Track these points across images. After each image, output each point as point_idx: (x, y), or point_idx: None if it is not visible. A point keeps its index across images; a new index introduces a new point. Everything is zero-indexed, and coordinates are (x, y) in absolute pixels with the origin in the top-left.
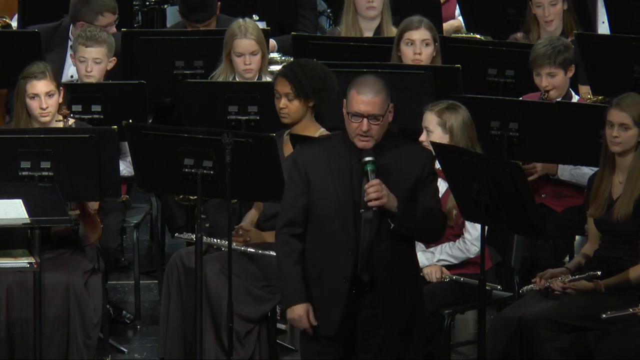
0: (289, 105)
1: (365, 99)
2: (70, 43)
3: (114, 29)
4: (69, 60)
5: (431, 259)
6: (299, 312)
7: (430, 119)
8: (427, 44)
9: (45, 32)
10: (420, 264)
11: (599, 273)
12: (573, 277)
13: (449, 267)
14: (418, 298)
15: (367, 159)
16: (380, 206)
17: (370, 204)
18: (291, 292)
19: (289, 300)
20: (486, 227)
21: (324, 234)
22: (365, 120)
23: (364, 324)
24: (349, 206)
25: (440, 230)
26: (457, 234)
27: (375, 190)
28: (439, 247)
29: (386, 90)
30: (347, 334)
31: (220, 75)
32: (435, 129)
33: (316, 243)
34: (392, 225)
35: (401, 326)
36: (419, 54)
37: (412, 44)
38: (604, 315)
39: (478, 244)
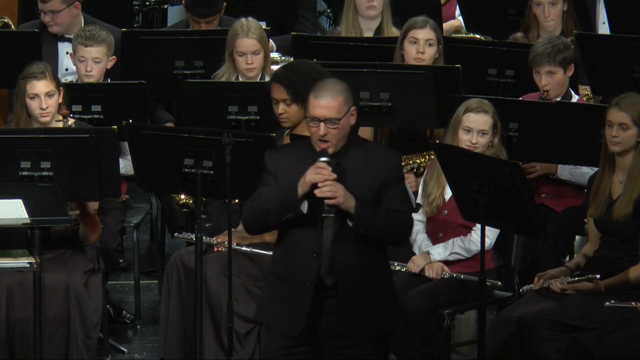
0: (287, 110)
1: (321, 102)
2: (58, 34)
3: (62, 17)
4: (61, 55)
5: (442, 253)
6: (306, 176)
7: (485, 121)
8: (430, 44)
9: (34, 28)
10: (431, 259)
11: (598, 276)
12: (572, 278)
13: (450, 265)
14: (390, 303)
15: (322, 159)
16: (336, 205)
17: (327, 202)
18: (288, 193)
19: (294, 193)
20: (497, 233)
21: (292, 237)
22: (322, 124)
23: (332, 327)
24: (316, 210)
25: (405, 233)
26: (470, 226)
27: (328, 190)
28: (450, 241)
29: (346, 94)
30: (313, 336)
31: (223, 74)
32: (490, 131)
33: (285, 246)
34: (351, 226)
35: (372, 332)
36: (422, 52)
37: (415, 42)
38: (607, 303)
39: (491, 234)
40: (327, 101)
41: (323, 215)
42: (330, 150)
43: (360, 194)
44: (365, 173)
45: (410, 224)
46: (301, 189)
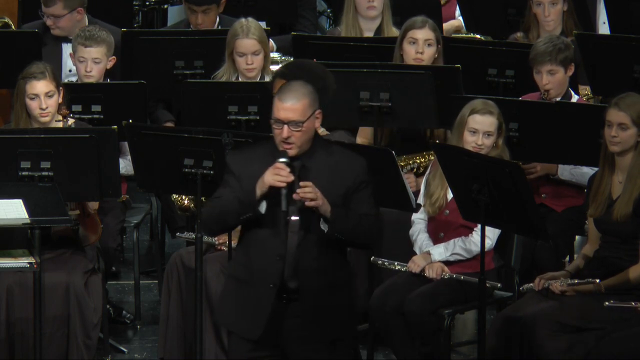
0: None
1: (285, 105)
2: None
3: (63, 22)
4: (64, 56)
5: (443, 253)
6: (264, 177)
7: (491, 122)
8: (429, 44)
9: (37, 29)
10: (432, 259)
11: (598, 280)
12: (572, 281)
13: (450, 265)
14: (349, 309)
15: (282, 160)
16: (315, 207)
17: (307, 203)
18: (247, 193)
19: (253, 194)
20: (497, 233)
21: (255, 239)
22: (285, 126)
23: (295, 330)
24: (279, 212)
25: (375, 236)
26: (471, 226)
27: (309, 191)
28: (451, 241)
29: (311, 96)
30: (275, 340)
31: (223, 75)
32: (495, 132)
33: (248, 248)
34: (327, 229)
35: (333, 335)
36: (421, 53)
37: (415, 42)
38: (606, 303)
39: (492, 235)
40: (291, 104)
41: (288, 218)
42: (292, 153)
43: (328, 197)
44: (331, 177)
45: (379, 226)
46: (259, 189)
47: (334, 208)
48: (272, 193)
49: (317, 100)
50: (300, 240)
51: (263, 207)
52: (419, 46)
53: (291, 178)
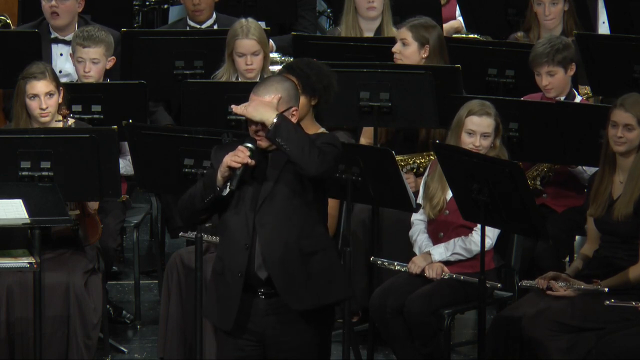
0: None
1: (255, 98)
2: (51, 36)
3: (67, 5)
4: (54, 57)
5: (444, 253)
6: (224, 159)
7: (489, 124)
8: (405, 44)
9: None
10: (432, 259)
11: (606, 290)
12: (579, 286)
13: (450, 265)
14: (331, 273)
15: (247, 144)
16: (248, 116)
17: (242, 111)
18: (210, 177)
19: (214, 175)
20: (497, 233)
21: (228, 230)
22: None
23: (272, 323)
24: (248, 203)
25: (325, 159)
26: (470, 226)
27: (235, 108)
28: (451, 241)
29: (286, 92)
30: (249, 331)
31: (223, 75)
32: (492, 133)
33: (222, 239)
34: (269, 134)
35: (309, 305)
36: (396, 52)
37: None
38: (606, 303)
39: (491, 234)
40: (262, 98)
41: (217, 188)
42: (263, 145)
43: (292, 182)
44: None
45: (334, 154)
46: (220, 172)
47: (283, 115)
48: (243, 181)
49: (295, 98)
50: (268, 230)
51: (225, 191)
52: (397, 45)
53: (247, 160)
